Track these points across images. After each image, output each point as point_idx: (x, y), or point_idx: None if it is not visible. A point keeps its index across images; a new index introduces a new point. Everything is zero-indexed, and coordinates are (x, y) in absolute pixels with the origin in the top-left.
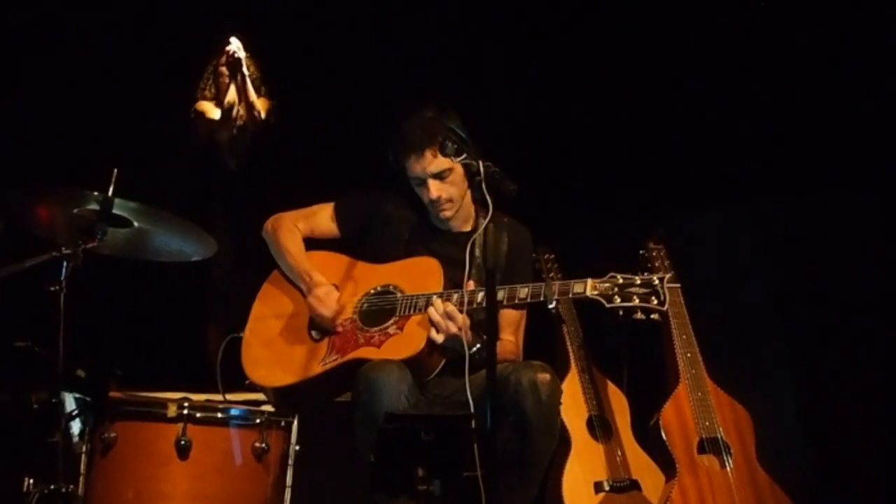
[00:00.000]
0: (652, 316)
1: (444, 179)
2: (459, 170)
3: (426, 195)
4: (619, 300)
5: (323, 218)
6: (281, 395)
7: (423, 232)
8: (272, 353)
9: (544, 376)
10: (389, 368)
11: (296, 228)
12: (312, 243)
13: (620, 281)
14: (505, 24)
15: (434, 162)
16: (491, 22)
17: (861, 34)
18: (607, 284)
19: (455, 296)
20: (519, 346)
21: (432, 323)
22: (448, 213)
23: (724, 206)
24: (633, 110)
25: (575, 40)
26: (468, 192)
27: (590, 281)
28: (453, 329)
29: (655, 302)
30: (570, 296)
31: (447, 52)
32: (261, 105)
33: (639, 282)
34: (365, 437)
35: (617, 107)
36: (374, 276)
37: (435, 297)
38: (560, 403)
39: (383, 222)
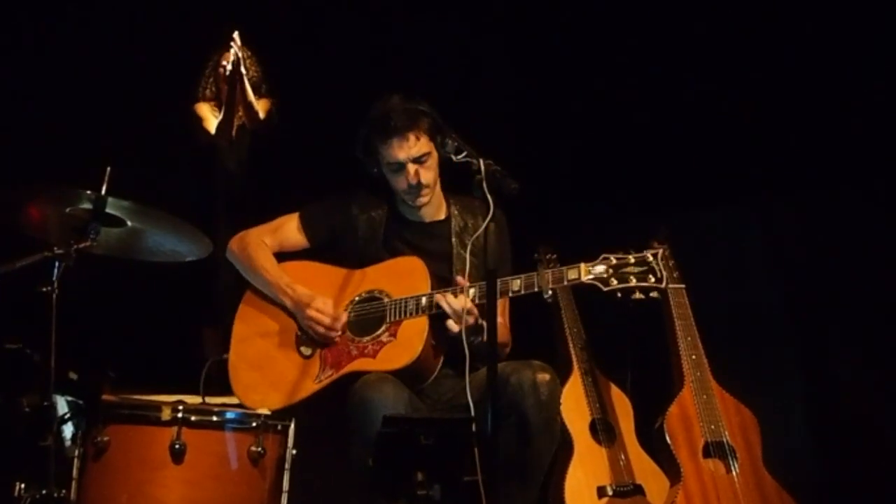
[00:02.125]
0: (651, 294)
1: (423, 164)
2: (436, 155)
3: (403, 181)
4: (615, 282)
5: (290, 230)
6: (273, 411)
7: (397, 225)
8: (263, 375)
9: (543, 376)
10: (385, 389)
11: (263, 244)
12: (282, 255)
13: (614, 262)
14: (506, 18)
15: (416, 145)
16: (491, 15)
17: (869, 27)
18: (601, 267)
19: (473, 290)
20: (508, 328)
21: (450, 315)
22: (424, 200)
23: (730, 204)
24: (636, 106)
25: (578, 35)
26: (439, 180)
27: (582, 265)
28: (469, 320)
29: (653, 279)
30: (565, 283)
31: (447, 46)
32: (260, 106)
33: (633, 260)
34: (361, 458)
35: (620, 103)
36: (356, 282)
37: (447, 292)
38: (560, 403)
39: (353, 224)
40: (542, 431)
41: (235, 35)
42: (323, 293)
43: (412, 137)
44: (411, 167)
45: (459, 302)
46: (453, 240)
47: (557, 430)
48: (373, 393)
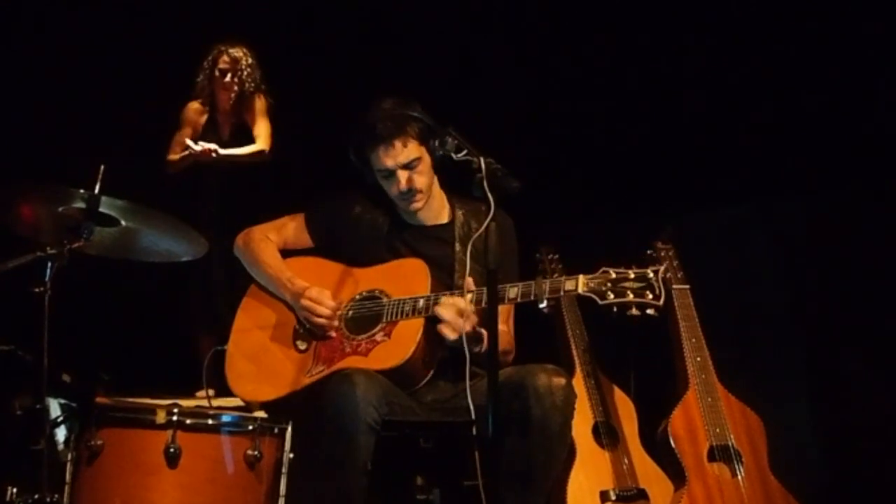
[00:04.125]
0: (648, 311)
1: (413, 169)
2: (428, 159)
3: (394, 187)
4: (612, 296)
5: (294, 229)
6: (269, 409)
7: (398, 229)
8: (257, 366)
9: (559, 381)
10: (356, 380)
11: (268, 239)
12: (287, 252)
13: (613, 276)
14: (509, 16)
15: (404, 152)
16: (495, 12)
17: (878, 26)
18: (599, 280)
19: (470, 295)
20: (512, 336)
21: (445, 320)
22: (418, 205)
23: (736, 203)
24: (640, 105)
25: (582, 34)
26: (436, 182)
27: (581, 277)
28: (467, 327)
29: (651, 296)
30: (562, 293)
31: (449, 42)
32: (261, 128)
33: (632, 276)
34: (332, 451)
35: (624, 102)
36: (358, 280)
37: (444, 295)
38: (574, 409)
39: (355, 225)
40: (555, 438)
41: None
42: (324, 289)
43: (398, 144)
44: (402, 173)
45: (455, 303)
46: (456, 245)
47: (569, 438)
48: (344, 385)
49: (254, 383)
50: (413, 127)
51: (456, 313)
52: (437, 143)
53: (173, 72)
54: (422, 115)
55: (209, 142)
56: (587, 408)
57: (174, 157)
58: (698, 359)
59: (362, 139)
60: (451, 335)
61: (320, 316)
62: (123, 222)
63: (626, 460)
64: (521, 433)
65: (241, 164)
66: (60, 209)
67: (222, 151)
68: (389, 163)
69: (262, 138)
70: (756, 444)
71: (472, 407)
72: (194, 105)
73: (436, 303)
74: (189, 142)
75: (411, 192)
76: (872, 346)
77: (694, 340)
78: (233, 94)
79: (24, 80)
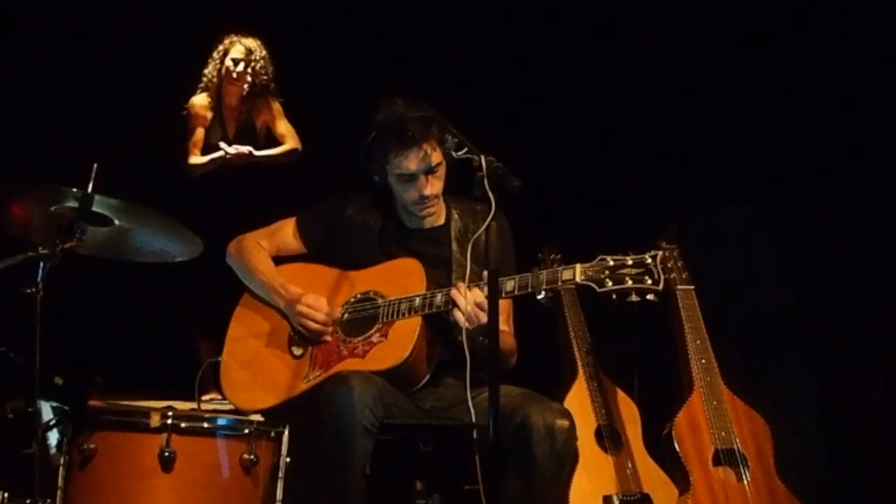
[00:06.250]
0: (647, 297)
1: (435, 174)
2: (445, 164)
3: (414, 192)
4: (610, 283)
5: (286, 234)
6: (266, 417)
7: (395, 232)
8: (253, 374)
9: (563, 423)
10: (352, 382)
11: (259, 246)
12: (280, 258)
13: (611, 263)
14: (512, 14)
15: (432, 156)
16: (497, 11)
17: (883, 25)
18: (597, 268)
19: (476, 289)
20: (512, 335)
21: (461, 310)
22: (432, 210)
23: (741, 203)
24: (644, 103)
25: (585, 31)
26: None
27: (578, 266)
28: (483, 319)
29: (650, 281)
30: (560, 283)
31: (449, 41)
32: (284, 129)
33: (630, 262)
34: (329, 454)
35: (627, 100)
36: (352, 283)
37: (460, 284)
38: (575, 451)
39: (348, 228)
40: (550, 480)
41: (240, 70)
42: (319, 294)
43: (427, 148)
44: (423, 178)
45: (472, 296)
46: (453, 245)
47: (567, 478)
48: (339, 387)
49: (249, 391)
50: (436, 130)
51: (473, 304)
52: (436, 140)
53: (168, 70)
54: (437, 114)
55: (214, 141)
56: (590, 411)
57: (197, 160)
58: (703, 360)
59: (386, 140)
60: (466, 323)
61: (317, 322)
62: (117, 222)
63: (629, 464)
64: (515, 472)
65: (275, 164)
66: (53, 208)
67: (257, 153)
68: (415, 166)
69: (290, 137)
70: (762, 447)
71: (471, 406)
72: (200, 100)
73: (432, 298)
74: (223, 145)
75: (429, 198)
76: (880, 348)
77: (699, 342)
78: (244, 87)
79: (16, 79)
